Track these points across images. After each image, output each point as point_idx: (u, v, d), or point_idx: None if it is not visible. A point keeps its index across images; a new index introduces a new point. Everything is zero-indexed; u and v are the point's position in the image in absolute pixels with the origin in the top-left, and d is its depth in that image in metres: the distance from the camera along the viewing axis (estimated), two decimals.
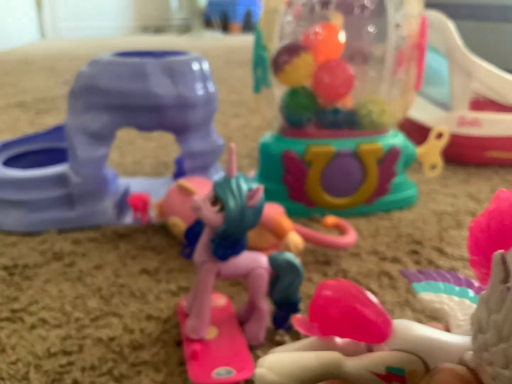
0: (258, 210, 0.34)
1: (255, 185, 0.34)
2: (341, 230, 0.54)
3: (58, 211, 0.57)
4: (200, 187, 0.50)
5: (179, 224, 0.50)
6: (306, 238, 0.51)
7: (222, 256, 0.35)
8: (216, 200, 0.34)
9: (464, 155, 0.81)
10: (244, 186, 0.34)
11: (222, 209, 0.33)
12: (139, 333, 0.40)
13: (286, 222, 0.47)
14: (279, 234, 0.47)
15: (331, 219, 0.54)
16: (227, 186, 0.33)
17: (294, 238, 0.46)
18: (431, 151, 0.66)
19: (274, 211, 0.47)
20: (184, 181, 0.51)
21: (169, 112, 0.55)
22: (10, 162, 0.63)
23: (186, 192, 0.50)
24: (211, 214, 0.34)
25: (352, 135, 0.60)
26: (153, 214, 0.58)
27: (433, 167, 0.68)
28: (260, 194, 0.34)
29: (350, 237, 0.52)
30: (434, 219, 0.62)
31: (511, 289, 0.14)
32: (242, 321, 0.40)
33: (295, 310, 0.39)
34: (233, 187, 0.33)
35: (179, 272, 0.49)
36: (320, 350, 0.17)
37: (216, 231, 0.34)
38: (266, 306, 0.38)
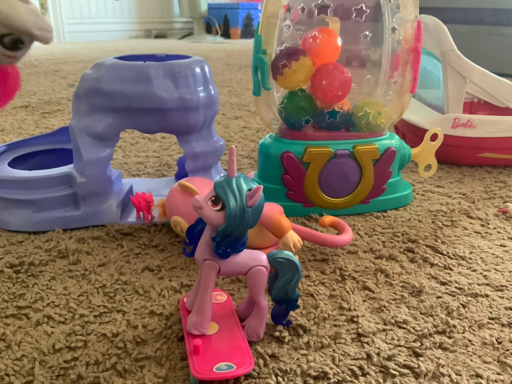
0: (258, 210, 0.35)
1: (255, 185, 0.35)
2: (338, 229, 0.55)
3: (63, 210, 0.58)
4: (201, 187, 0.51)
5: (181, 223, 0.51)
6: (304, 236, 0.52)
7: (222, 254, 0.36)
8: (217, 199, 0.35)
9: (458, 156, 0.82)
10: (244, 186, 0.35)
11: (223, 208, 0.34)
12: (142, 329, 0.41)
13: (285, 221, 0.48)
14: (278, 233, 0.48)
15: (328, 219, 0.55)
16: (227, 186, 0.35)
17: (293, 237, 0.47)
18: (426, 152, 0.67)
19: (273, 211, 0.48)
20: (185, 181, 0.52)
21: (171, 114, 0.56)
22: (16, 163, 0.64)
23: (187, 192, 0.51)
24: (212, 213, 0.35)
25: (349, 136, 0.62)
26: (155, 213, 0.59)
27: (428, 167, 0.69)
28: (260, 194, 0.35)
29: (347, 236, 0.53)
30: (429, 218, 0.64)
31: None
32: (242, 317, 0.41)
33: (294, 306, 0.40)
34: (233, 187, 0.34)
35: (181, 269, 0.50)
36: None
37: (217, 230, 0.35)
38: (265, 303, 0.39)
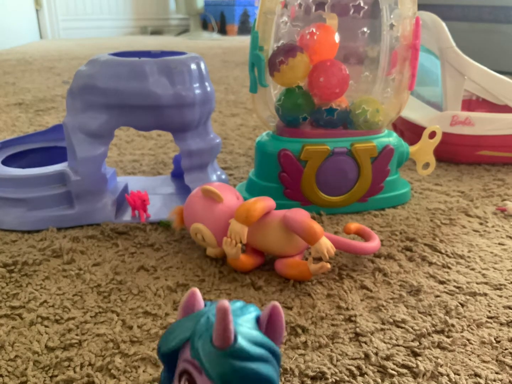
0: None
1: (254, 311, 0.25)
2: (364, 236, 0.53)
3: (57, 209, 0.58)
4: (223, 193, 0.49)
5: (203, 230, 0.48)
6: (333, 243, 0.49)
7: None
8: None
9: (456, 153, 0.82)
10: (256, 331, 0.24)
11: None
12: (138, 329, 0.40)
13: (316, 227, 0.45)
14: (311, 239, 0.45)
15: (353, 225, 0.53)
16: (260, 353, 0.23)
17: (326, 243, 0.45)
18: (424, 150, 0.67)
19: (303, 216, 0.46)
20: (209, 186, 0.48)
21: (167, 111, 0.55)
22: (10, 161, 0.64)
23: (210, 197, 0.49)
24: None
25: (346, 134, 0.61)
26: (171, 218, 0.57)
27: (426, 165, 0.68)
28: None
29: (375, 243, 0.51)
30: (427, 216, 0.63)
31: None
32: None
33: None
34: (260, 345, 0.23)
35: (177, 269, 0.50)
36: None
37: None
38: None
